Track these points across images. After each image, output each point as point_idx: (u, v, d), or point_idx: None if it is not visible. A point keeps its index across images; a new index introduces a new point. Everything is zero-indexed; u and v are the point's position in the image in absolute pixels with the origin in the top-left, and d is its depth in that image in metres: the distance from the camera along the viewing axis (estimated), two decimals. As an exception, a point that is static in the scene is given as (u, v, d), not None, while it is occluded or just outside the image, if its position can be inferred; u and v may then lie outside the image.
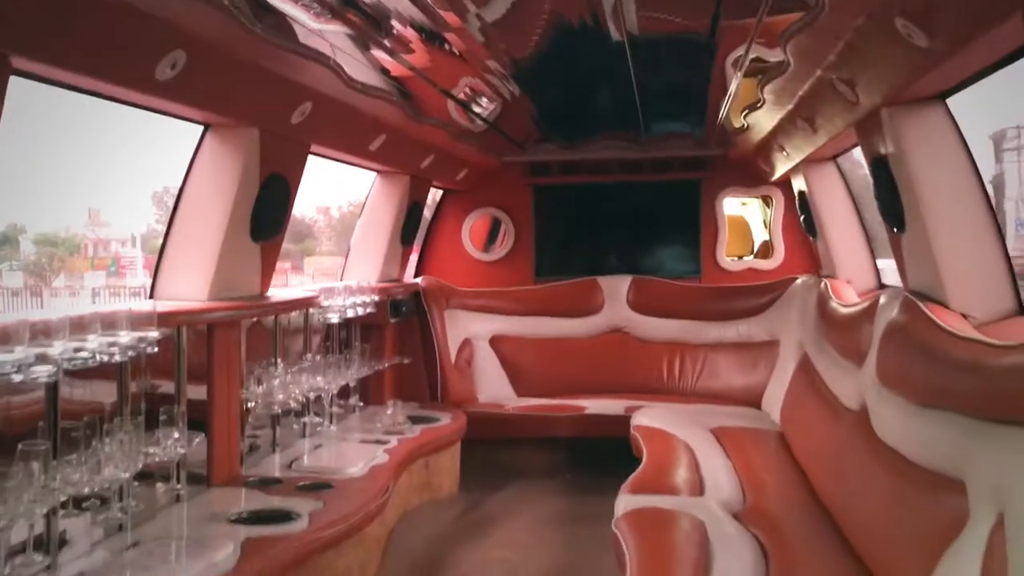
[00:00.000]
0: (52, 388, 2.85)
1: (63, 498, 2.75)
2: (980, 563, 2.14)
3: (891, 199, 3.60)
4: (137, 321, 3.02)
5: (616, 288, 6.94)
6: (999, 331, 3.09)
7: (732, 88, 4.35)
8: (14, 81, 2.46)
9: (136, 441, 3.08)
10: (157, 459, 3.29)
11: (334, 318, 5.01)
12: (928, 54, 2.62)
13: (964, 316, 3.26)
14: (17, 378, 2.46)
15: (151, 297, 3.86)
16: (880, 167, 3.63)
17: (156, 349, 3.08)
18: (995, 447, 2.28)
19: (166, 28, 2.67)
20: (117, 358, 2.90)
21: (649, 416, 5.47)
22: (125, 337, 2.91)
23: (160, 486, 3.60)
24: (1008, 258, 3.36)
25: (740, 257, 7.24)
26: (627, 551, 3.18)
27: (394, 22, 3.29)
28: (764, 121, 4.91)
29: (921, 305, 3.18)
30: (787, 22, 2.99)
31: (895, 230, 3.70)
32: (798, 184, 5.93)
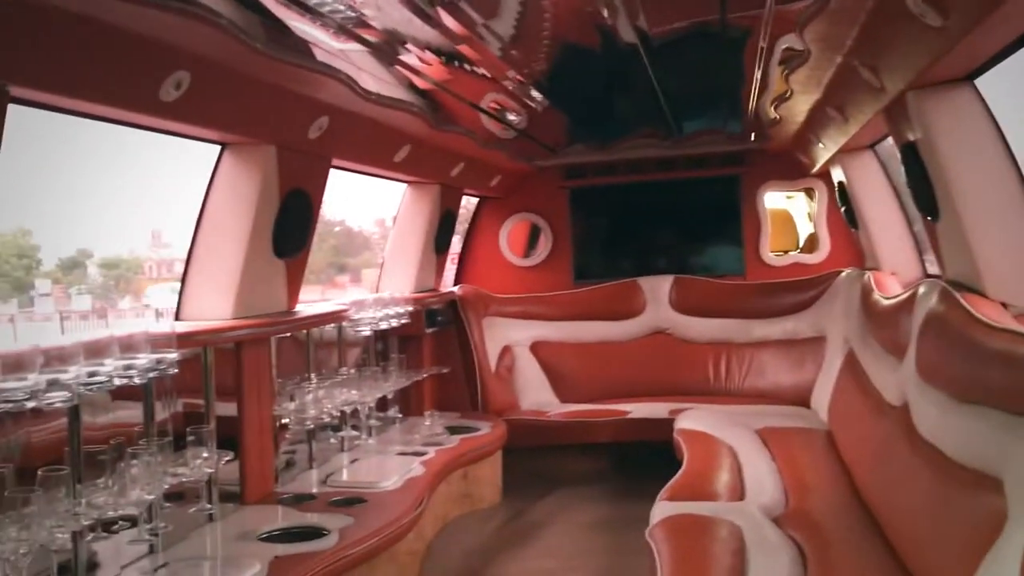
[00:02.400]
0: (74, 414, 2.87)
1: (87, 522, 2.76)
2: (1019, 565, 2.03)
3: (923, 187, 3.46)
4: (157, 342, 3.03)
5: (657, 289, 6.83)
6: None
7: (756, 80, 4.24)
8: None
9: (163, 462, 3.10)
10: (185, 479, 3.31)
11: (366, 331, 5.00)
12: (944, 34, 2.50)
13: (1004, 305, 3.12)
14: (30, 405, 2.48)
15: (176, 319, 3.88)
16: (910, 154, 3.49)
17: (176, 370, 3.08)
18: (1033, 444, 2.17)
19: (165, 50, 2.67)
20: (136, 380, 2.91)
21: (692, 419, 5.36)
22: (143, 359, 2.92)
23: (192, 509, 3.62)
24: (1048, 242, 3.21)
25: (785, 252, 7.07)
26: (659, 561, 3.09)
27: (410, 46, 3.29)
28: (796, 112, 4.78)
29: (957, 295, 3.05)
30: (798, 11, 2.90)
31: (929, 218, 3.56)
32: (837, 175, 5.76)
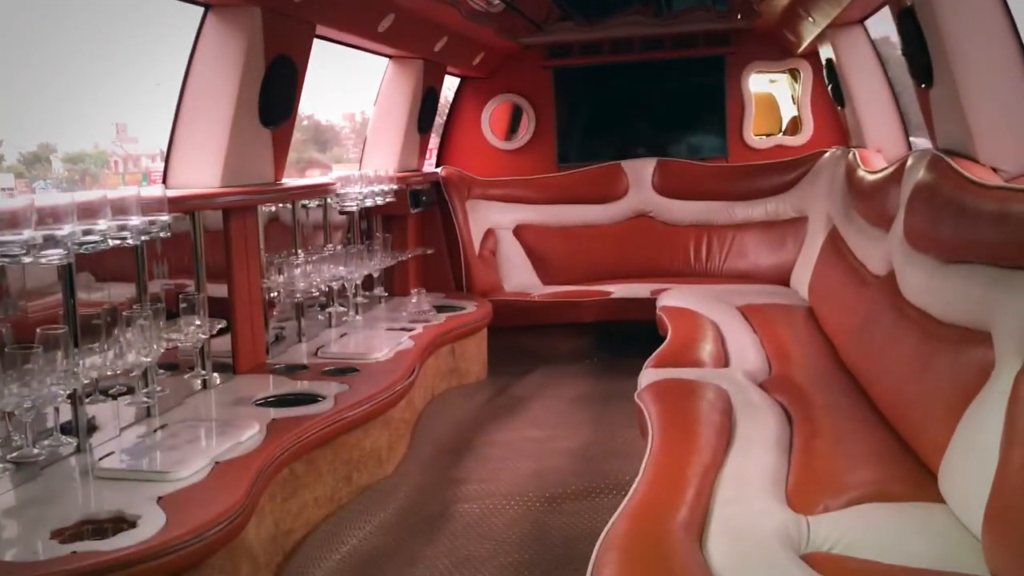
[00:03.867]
0: (68, 274, 2.86)
1: (85, 381, 2.78)
2: (1004, 409, 2.10)
3: (919, 52, 3.43)
4: (148, 206, 3.00)
5: (640, 172, 6.81)
6: (1032, 183, 2.97)
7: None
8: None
9: (157, 327, 3.11)
10: (179, 344, 3.33)
11: (352, 206, 4.96)
12: None
13: (994, 170, 3.14)
14: (26, 260, 2.46)
15: (164, 185, 3.83)
16: (907, 19, 3.45)
17: (169, 233, 3.06)
18: (1021, 293, 2.22)
19: None
20: (129, 241, 2.89)
21: (675, 297, 5.44)
22: (136, 220, 2.89)
23: (186, 375, 3.65)
24: (1042, 107, 3.21)
25: (768, 135, 7.06)
26: (649, 419, 3.17)
27: None
28: (788, -17, 4.70)
29: (949, 160, 3.07)
30: None
31: (923, 85, 3.54)
32: (825, 52, 5.71)
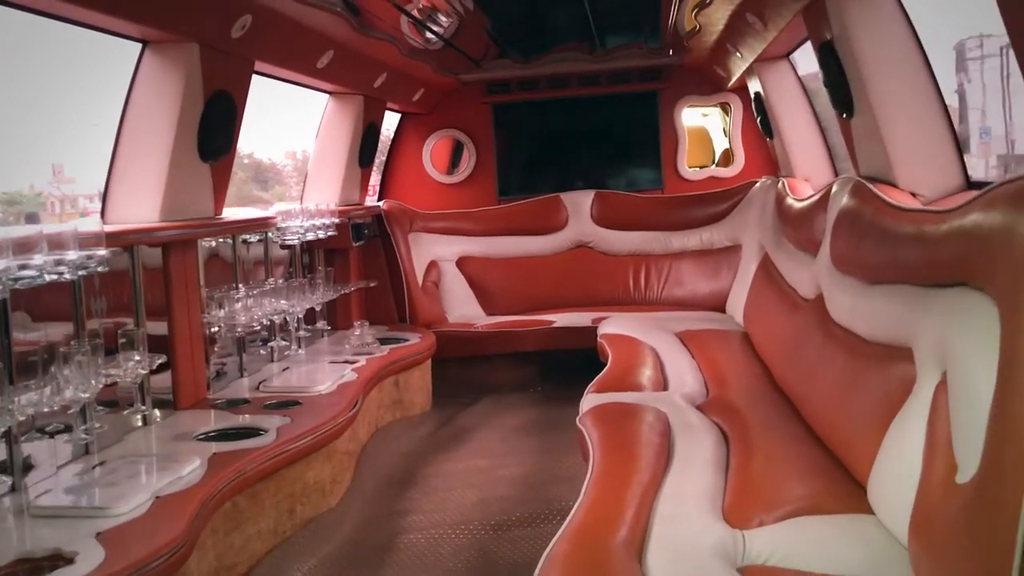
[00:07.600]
0: (2, 310, 2.82)
1: (21, 418, 2.74)
2: (926, 422, 2.19)
3: (839, 84, 3.59)
4: (86, 241, 2.98)
5: (579, 203, 6.93)
6: (947, 206, 3.12)
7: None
8: None
9: (95, 363, 3.07)
10: (118, 380, 3.29)
11: (293, 240, 4.96)
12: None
13: (913, 195, 3.29)
14: (-39, 295, 2.43)
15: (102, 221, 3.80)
16: (827, 53, 3.62)
17: (107, 268, 3.04)
18: (938, 310, 2.32)
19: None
20: (67, 276, 2.86)
21: (615, 324, 5.53)
22: (73, 254, 2.87)
23: (126, 412, 3.60)
24: (955, 134, 3.37)
25: (702, 167, 7.25)
26: (590, 442, 3.23)
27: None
28: (715, 20, 4.86)
29: (870, 186, 3.20)
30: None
31: (844, 115, 3.70)
32: (753, 86, 5.91)
